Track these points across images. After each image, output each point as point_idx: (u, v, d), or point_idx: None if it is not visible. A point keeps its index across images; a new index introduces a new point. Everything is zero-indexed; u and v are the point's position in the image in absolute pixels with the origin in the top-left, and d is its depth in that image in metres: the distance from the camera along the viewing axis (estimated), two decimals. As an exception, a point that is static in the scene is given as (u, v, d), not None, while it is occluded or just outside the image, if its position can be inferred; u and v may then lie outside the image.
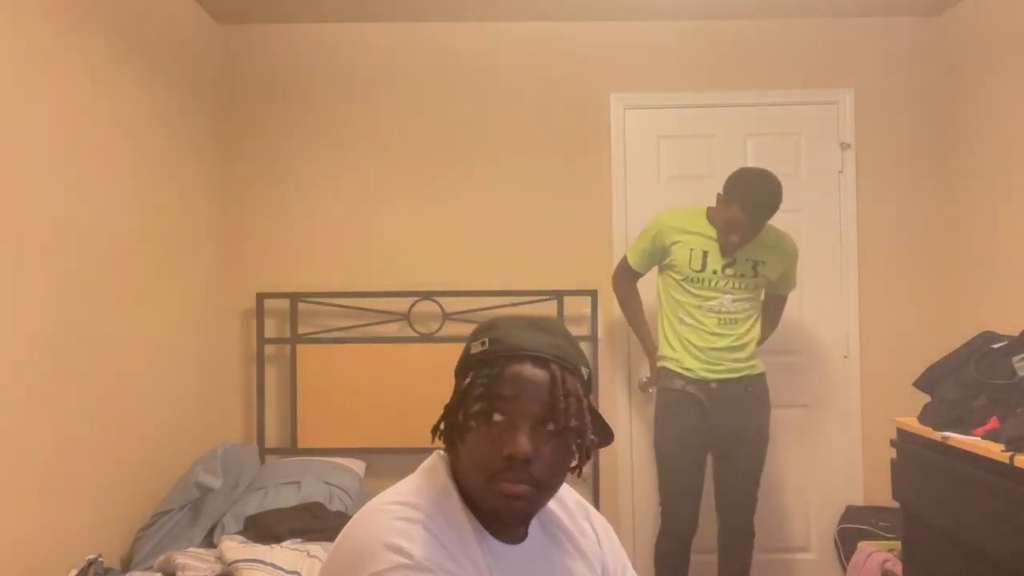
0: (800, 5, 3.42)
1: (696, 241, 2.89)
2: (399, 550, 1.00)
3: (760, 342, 3.01)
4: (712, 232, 2.89)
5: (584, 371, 1.14)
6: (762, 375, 2.97)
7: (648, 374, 3.22)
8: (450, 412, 1.12)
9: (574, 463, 1.13)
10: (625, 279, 3.11)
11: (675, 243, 2.90)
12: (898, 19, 3.53)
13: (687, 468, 2.91)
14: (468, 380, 1.11)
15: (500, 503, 1.07)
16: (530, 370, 1.08)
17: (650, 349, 3.09)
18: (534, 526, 1.18)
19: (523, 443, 1.05)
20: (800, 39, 3.54)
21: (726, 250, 2.85)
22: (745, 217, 2.78)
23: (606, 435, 1.19)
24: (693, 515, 2.91)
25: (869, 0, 3.39)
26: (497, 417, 1.07)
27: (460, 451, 1.11)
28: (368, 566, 1.00)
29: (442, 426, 1.14)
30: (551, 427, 1.07)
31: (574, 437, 1.09)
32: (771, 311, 3.12)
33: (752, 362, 2.92)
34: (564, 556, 1.19)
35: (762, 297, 3.00)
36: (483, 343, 1.12)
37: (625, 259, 3.08)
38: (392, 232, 3.54)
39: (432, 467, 1.15)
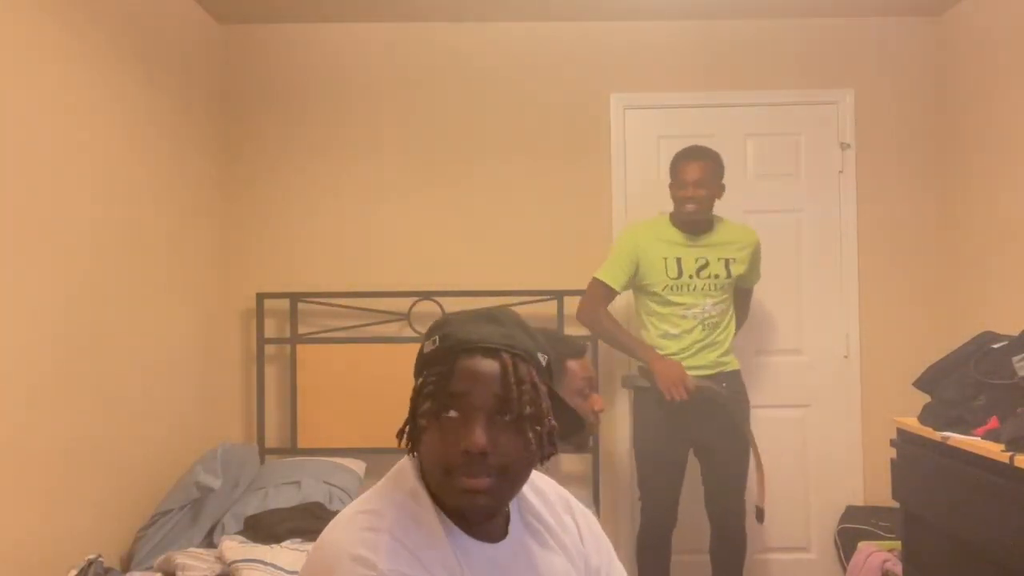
0: (800, 5, 3.42)
1: (668, 249, 2.92)
2: (364, 562, 1.00)
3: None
4: (679, 237, 2.93)
5: (541, 358, 1.13)
6: (737, 372, 2.99)
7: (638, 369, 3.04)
8: (409, 414, 1.12)
9: (541, 454, 1.11)
10: (598, 303, 2.98)
11: (650, 252, 2.91)
12: (898, 19, 3.53)
13: (664, 464, 2.92)
14: (420, 380, 1.11)
15: (462, 499, 1.06)
16: (480, 362, 1.07)
17: (642, 347, 2.94)
18: (515, 523, 1.17)
19: (478, 437, 1.04)
20: (800, 39, 3.54)
21: (689, 213, 2.88)
22: (679, 167, 2.89)
23: (574, 422, 1.17)
24: (671, 510, 2.93)
25: (869, 0, 3.39)
26: (451, 413, 1.06)
27: (421, 451, 1.10)
28: None
29: (407, 430, 1.13)
30: (507, 417, 1.06)
31: (531, 424, 1.07)
32: (740, 305, 3.13)
33: (726, 359, 2.94)
34: (545, 552, 1.18)
35: (732, 290, 3.02)
36: (434, 341, 1.11)
37: (596, 284, 2.98)
38: (392, 232, 3.54)
39: (400, 470, 1.14)
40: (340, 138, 3.55)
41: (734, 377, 2.97)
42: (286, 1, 3.33)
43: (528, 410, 1.06)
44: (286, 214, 3.55)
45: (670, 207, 3.11)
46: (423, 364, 1.12)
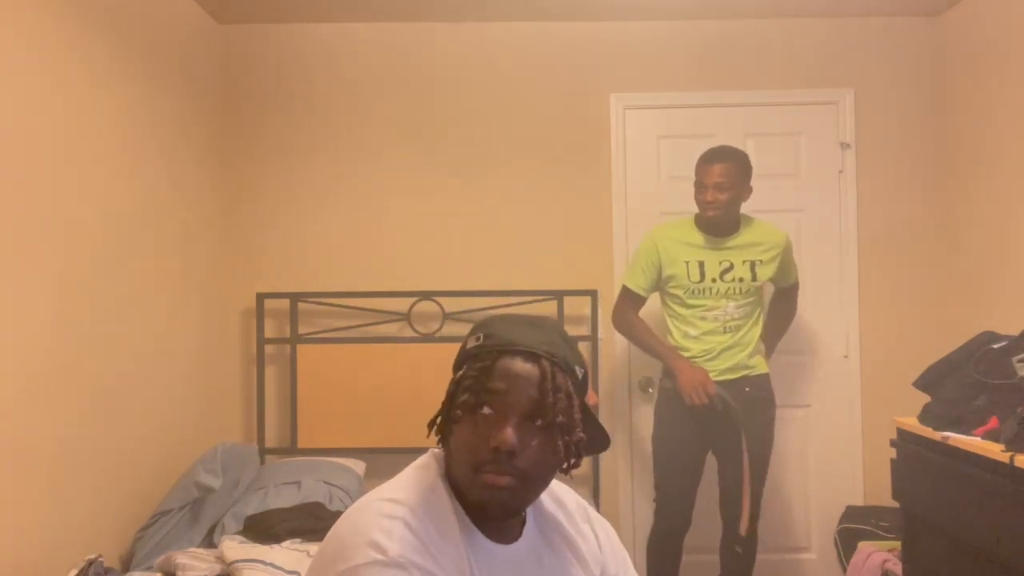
0: (800, 5, 3.43)
1: (691, 252, 2.90)
2: (376, 546, 1.02)
3: (773, 341, 3.08)
4: (702, 239, 2.91)
5: (578, 371, 1.15)
6: (763, 376, 2.96)
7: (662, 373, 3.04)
8: (444, 405, 1.15)
9: (566, 464, 1.14)
10: (628, 309, 3.00)
11: (673, 256, 2.90)
12: (898, 19, 3.53)
13: (683, 467, 2.91)
14: (460, 372, 1.14)
15: (484, 494, 1.08)
16: (521, 365, 1.10)
17: (670, 351, 2.92)
18: (530, 527, 1.19)
19: (509, 436, 1.06)
20: (800, 39, 3.54)
21: (709, 218, 2.87)
22: (701, 169, 2.86)
23: (601, 438, 1.20)
24: (686, 512, 2.93)
25: (869, 0, 3.39)
26: (486, 410, 1.08)
27: (451, 443, 1.13)
28: (346, 559, 1.03)
29: (438, 421, 1.16)
30: (539, 422, 1.09)
31: (561, 433, 1.10)
32: (781, 306, 3.13)
33: (751, 361, 2.92)
34: (559, 559, 1.20)
35: (762, 295, 3.00)
36: (478, 338, 1.15)
37: (625, 291, 3.00)
38: (392, 232, 3.54)
39: (424, 464, 1.17)
40: (340, 138, 3.55)
41: (759, 381, 2.93)
42: (286, 1, 3.33)
43: (560, 418, 1.09)
44: (286, 214, 3.55)
45: (670, 207, 3.12)
46: (464, 359, 1.15)
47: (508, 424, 1.07)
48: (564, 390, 1.10)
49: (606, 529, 1.29)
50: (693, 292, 2.89)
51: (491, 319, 1.19)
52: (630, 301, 3.00)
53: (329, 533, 1.11)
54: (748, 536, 2.91)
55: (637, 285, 2.97)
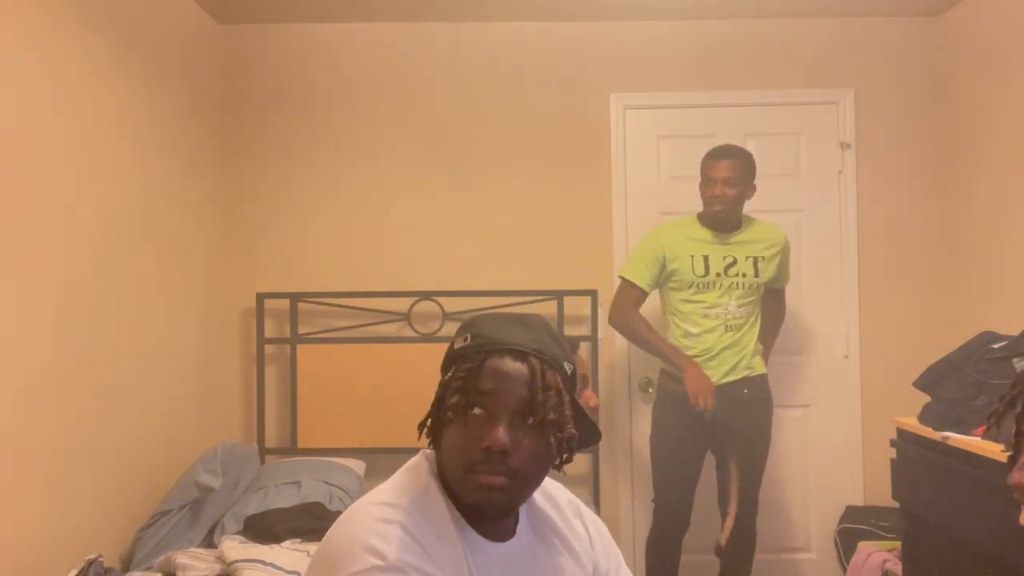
0: (800, 5, 3.42)
1: (695, 247, 2.91)
2: (374, 551, 1.02)
3: (769, 343, 3.08)
4: (707, 235, 2.92)
5: (567, 367, 1.15)
6: (762, 376, 2.97)
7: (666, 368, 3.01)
8: (433, 407, 1.14)
9: (559, 460, 1.14)
10: (628, 304, 2.94)
11: (677, 250, 2.90)
12: (898, 19, 3.53)
13: (681, 467, 2.92)
14: (449, 374, 1.13)
15: (479, 495, 1.08)
16: (509, 364, 1.10)
17: (676, 352, 2.88)
18: (523, 525, 1.19)
19: (501, 435, 1.06)
20: (800, 39, 3.54)
21: (715, 212, 2.88)
22: (708, 165, 2.88)
23: (592, 433, 1.20)
24: (685, 513, 2.94)
25: (869, 0, 3.39)
26: (476, 410, 1.08)
27: (442, 445, 1.13)
28: (345, 566, 1.02)
29: (428, 423, 1.15)
30: (530, 420, 1.09)
31: (552, 430, 1.10)
32: (774, 307, 3.13)
33: (752, 362, 2.92)
34: (553, 555, 1.20)
35: (761, 296, 3.01)
36: (465, 339, 1.14)
37: (625, 284, 2.96)
38: (392, 232, 3.54)
39: (415, 466, 1.16)
40: (340, 138, 3.55)
41: (758, 382, 2.94)
42: (286, 1, 3.33)
43: (551, 415, 1.09)
44: (286, 214, 3.55)
45: (670, 207, 3.12)
46: (452, 360, 1.15)
47: (499, 424, 1.07)
48: (554, 387, 1.10)
49: (597, 525, 1.29)
50: (697, 287, 2.89)
51: (478, 319, 1.18)
52: (630, 296, 2.94)
53: (325, 538, 1.11)
54: (748, 528, 2.93)
55: (640, 278, 2.92)
